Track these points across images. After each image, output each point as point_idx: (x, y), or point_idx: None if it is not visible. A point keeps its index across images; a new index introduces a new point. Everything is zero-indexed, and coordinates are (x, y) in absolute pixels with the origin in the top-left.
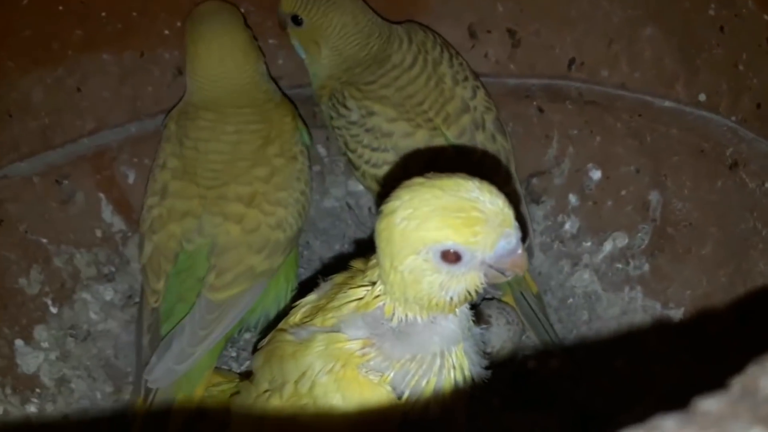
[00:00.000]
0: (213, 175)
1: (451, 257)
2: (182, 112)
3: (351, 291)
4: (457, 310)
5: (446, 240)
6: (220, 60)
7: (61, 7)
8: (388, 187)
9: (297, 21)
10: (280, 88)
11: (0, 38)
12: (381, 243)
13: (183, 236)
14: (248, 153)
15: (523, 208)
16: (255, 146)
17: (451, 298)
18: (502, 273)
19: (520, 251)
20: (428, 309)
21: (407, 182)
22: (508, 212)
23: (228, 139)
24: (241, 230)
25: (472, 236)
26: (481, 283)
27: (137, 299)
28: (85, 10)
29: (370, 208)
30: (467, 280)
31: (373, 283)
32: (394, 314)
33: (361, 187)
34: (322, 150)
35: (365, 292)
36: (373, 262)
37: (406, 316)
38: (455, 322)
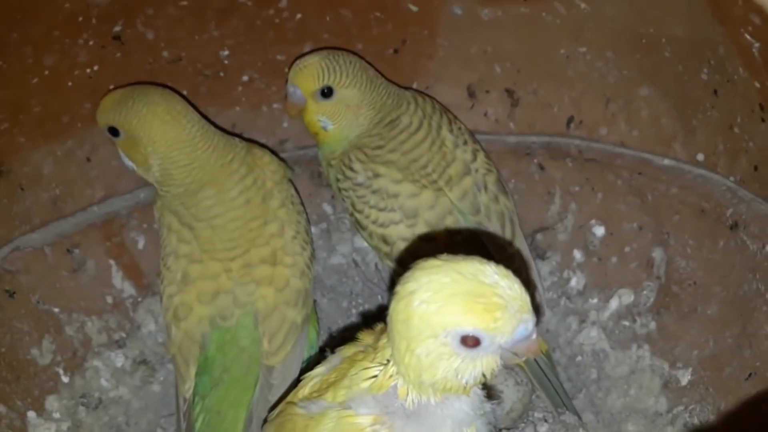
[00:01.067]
0: (232, 245)
1: (471, 342)
2: (171, 201)
3: (363, 371)
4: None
5: (468, 325)
6: (183, 128)
7: (70, 83)
8: (395, 247)
9: (327, 94)
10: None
11: (12, 115)
12: (397, 325)
13: (218, 315)
14: (257, 211)
15: (533, 272)
16: (259, 201)
17: (467, 381)
18: (517, 356)
19: (534, 336)
20: (442, 391)
21: (422, 263)
22: (526, 298)
23: (238, 203)
24: (274, 291)
25: (492, 322)
26: (497, 366)
27: (147, 364)
28: (92, 84)
29: (376, 265)
30: (484, 363)
31: (386, 362)
32: (407, 395)
33: (366, 244)
34: (327, 208)
35: (378, 372)
36: (383, 341)
37: (420, 397)
38: (468, 404)
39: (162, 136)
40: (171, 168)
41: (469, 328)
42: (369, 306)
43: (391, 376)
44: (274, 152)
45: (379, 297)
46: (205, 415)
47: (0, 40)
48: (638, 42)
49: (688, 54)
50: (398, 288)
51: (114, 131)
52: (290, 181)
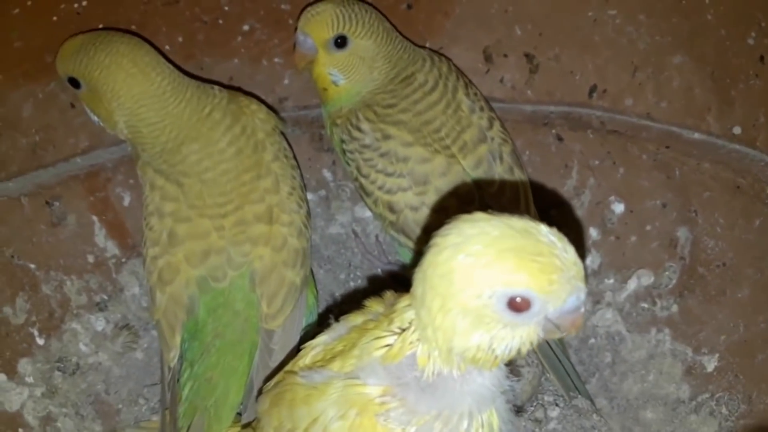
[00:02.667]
0: (224, 200)
1: (519, 305)
2: (152, 158)
3: (376, 340)
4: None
5: (520, 285)
6: (151, 82)
7: (55, 18)
8: (401, 216)
9: (340, 44)
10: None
11: None
12: (433, 280)
13: (210, 276)
14: (248, 163)
15: None
16: (250, 151)
17: (500, 354)
18: (558, 330)
19: (583, 310)
20: (470, 362)
21: (465, 216)
22: (582, 265)
23: (228, 155)
24: (272, 250)
25: (548, 284)
26: (537, 340)
27: (130, 330)
28: (81, 21)
29: (377, 236)
30: (524, 334)
31: (401, 331)
32: (428, 365)
33: (368, 214)
34: (327, 174)
35: (393, 340)
36: (402, 305)
37: (441, 368)
38: (490, 379)
39: (127, 90)
40: (140, 125)
41: (522, 288)
42: (368, 279)
43: (410, 343)
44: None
45: (379, 270)
46: (194, 383)
47: None
48: (677, 4)
49: (735, 16)
50: (437, 239)
51: (74, 82)
52: (282, 134)
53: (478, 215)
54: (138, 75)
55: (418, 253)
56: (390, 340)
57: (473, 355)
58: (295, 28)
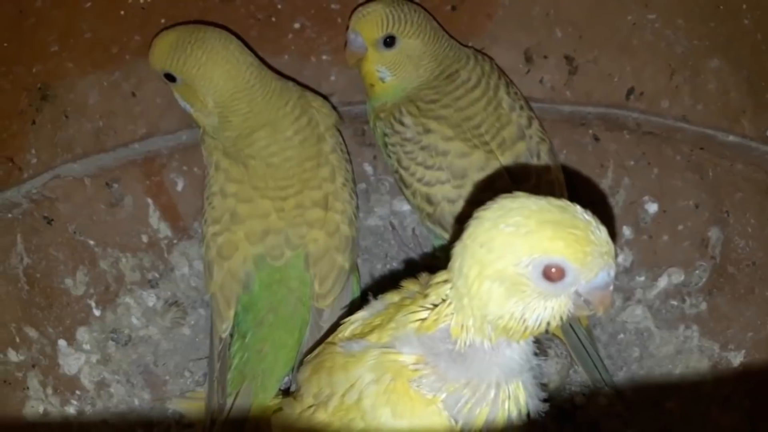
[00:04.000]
0: (286, 183)
1: (555, 274)
2: (227, 143)
3: (411, 314)
4: (522, 340)
5: (557, 253)
6: (243, 77)
7: (122, 12)
8: (438, 208)
9: (389, 43)
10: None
11: (62, 38)
12: (473, 249)
13: (267, 254)
14: (312, 152)
15: None
16: (313, 141)
17: (531, 324)
18: (587, 306)
19: (612, 288)
20: (501, 332)
21: (506, 195)
22: (612, 245)
23: (293, 143)
24: (325, 235)
25: (582, 255)
26: (568, 312)
27: (179, 306)
28: (145, 15)
29: (414, 229)
30: (556, 305)
31: (435, 305)
32: (461, 334)
33: (405, 208)
34: (368, 168)
35: (426, 315)
36: (438, 280)
37: (473, 338)
38: (518, 353)
39: (223, 85)
40: (230, 115)
41: (558, 257)
42: (403, 271)
43: (445, 315)
44: (326, 98)
45: (416, 259)
46: (244, 353)
47: None
48: (714, 9)
49: None
50: (479, 213)
51: (171, 77)
52: (338, 129)
53: (519, 193)
54: (232, 71)
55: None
56: (424, 314)
57: (505, 324)
58: (347, 27)
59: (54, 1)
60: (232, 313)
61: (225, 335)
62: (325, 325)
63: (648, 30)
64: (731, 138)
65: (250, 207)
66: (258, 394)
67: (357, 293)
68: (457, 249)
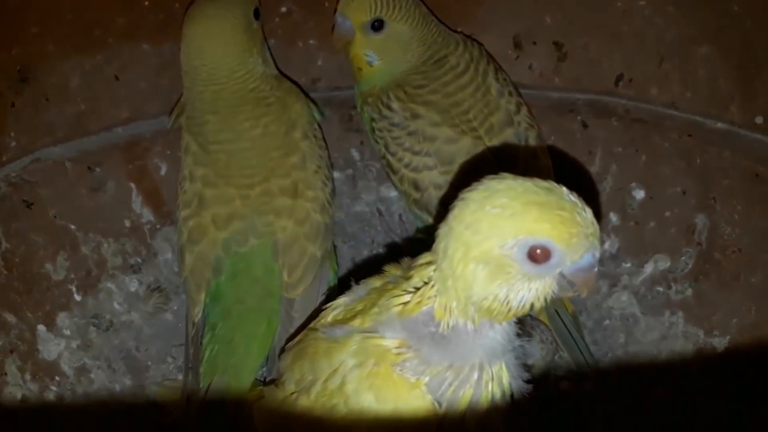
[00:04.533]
0: (250, 172)
1: (539, 256)
2: (190, 119)
3: (393, 298)
4: (504, 322)
5: (542, 234)
6: (210, 50)
7: None
8: (426, 194)
9: (377, 27)
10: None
11: (43, 20)
12: (458, 230)
13: (232, 240)
14: (277, 142)
15: None
16: (281, 133)
17: (514, 306)
18: (571, 287)
19: (596, 270)
20: (485, 314)
21: (492, 176)
22: (597, 227)
23: (250, 135)
24: (294, 223)
25: (567, 237)
26: (552, 293)
27: (162, 292)
28: None
29: (400, 215)
30: (540, 286)
31: (417, 289)
32: (444, 316)
33: (392, 194)
34: (355, 153)
35: (408, 298)
36: (421, 262)
37: (456, 321)
38: (501, 334)
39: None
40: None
41: (543, 238)
42: (389, 256)
43: (428, 298)
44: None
45: (399, 242)
46: (215, 345)
47: None
48: None
49: (762, 8)
50: (465, 195)
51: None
52: (319, 125)
53: (505, 174)
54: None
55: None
56: (407, 297)
57: (489, 305)
58: (334, 11)
59: None
60: (203, 297)
61: (197, 319)
62: (297, 315)
63: (638, 17)
64: (719, 125)
65: (215, 192)
66: (231, 386)
67: (333, 281)
68: (442, 231)
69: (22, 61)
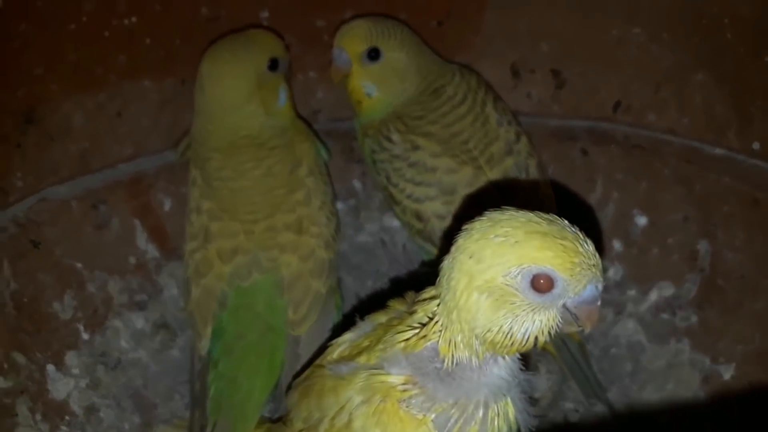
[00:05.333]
0: (254, 208)
1: (543, 285)
2: (196, 152)
3: (398, 334)
4: (508, 357)
5: (546, 263)
6: (209, 90)
7: (107, 33)
8: (429, 225)
9: (373, 56)
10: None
11: (47, 61)
12: (461, 260)
13: (235, 274)
14: (281, 181)
15: None
16: (286, 173)
17: (519, 338)
18: (575, 321)
19: (599, 303)
20: (489, 347)
21: (495, 210)
22: (600, 260)
23: (253, 175)
24: (299, 259)
25: (570, 266)
26: (556, 327)
27: (168, 329)
28: (130, 36)
29: (404, 245)
30: (545, 317)
31: (422, 325)
32: (448, 353)
33: (395, 224)
34: (357, 184)
35: (413, 334)
36: (424, 297)
37: (460, 356)
38: (505, 370)
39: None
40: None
41: (546, 267)
42: (394, 288)
43: (433, 332)
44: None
45: (405, 278)
46: (219, 382)
47: None
48: (698, 24)
49: (753, 35)
50: (468, 226)
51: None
52: (326, 164)
53: (507, 208)
54: None
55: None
56: (411, 333)
57: (493, 338)
58: (331, 45)
59: (39, 24)
60: (209, 330)
61: (204, 353)
62: (303, 353)
63: (633, 44)
64: (717, 151)
65: (221, 225)
66: (237, 425)
67: (338, 318)
68: (446, 263)
69: (28, 102)
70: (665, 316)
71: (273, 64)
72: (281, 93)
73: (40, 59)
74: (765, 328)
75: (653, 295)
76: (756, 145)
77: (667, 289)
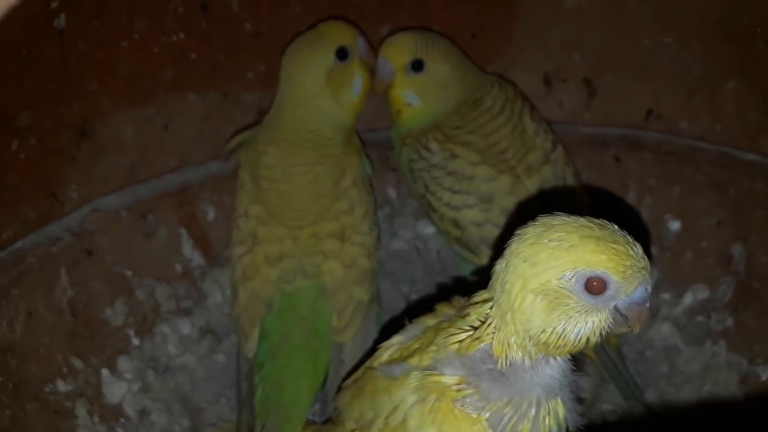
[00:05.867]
0: (299, 214)
1: (596, 287)
2: (250, 149)
3: (450, 336)
4: (559, 358)
5: (599, 266)
6: (285, 80)
7: (156, 49)
8: (466, 232)
9: (417, 67)
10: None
11: (101, 77)
12: (515, 264)
13: (281, 278)
14: (327, 189)
15: None
16: (331, 182)
17: (570, 340)
18: (625, 322)
19: (648, 305)
20: (542, 348)
21: (546, 215)
22: (648, 262)
23: (300, 180)
24: (342, 267)
25: (623, 269)
26: (608, 327)
27: (213, 334)
28: (177, 51)
29: (438, 252)
30: (597, 319)
31: (474, 328)
32: (502, 353)
33: (429, 231)
34: (392, 192)
35: (466, 336)
36: (477, 300)
37: (514, 357)
38: (557, 370)
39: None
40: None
41: (600, 270)
42: (431, 294)
43: (487, 334)
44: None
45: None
46: (265, 384)
47: (99, 1)
48: (730, 32)
49: None
50: (521, 231)
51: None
52: (369, 179)
53: (559, 213)
54: None
55: (483, 269)
56: (464, 335)
57: (546, 339)
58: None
59: (95, 42)
60: (257, 333)
61: (251, 355)
62: (347, 359)
63: (665, 53)
64: (750, 156)
65: (268, 230)
66: (284, 427)
67: (378, 326)
68: (499, 267)
69: (82, 116)
70: (700, 318)
71: (342, 54)
72: (356, 81)
73: (94, 75)
74: None
75: (688, 298)
76: None
77: (701, 292)
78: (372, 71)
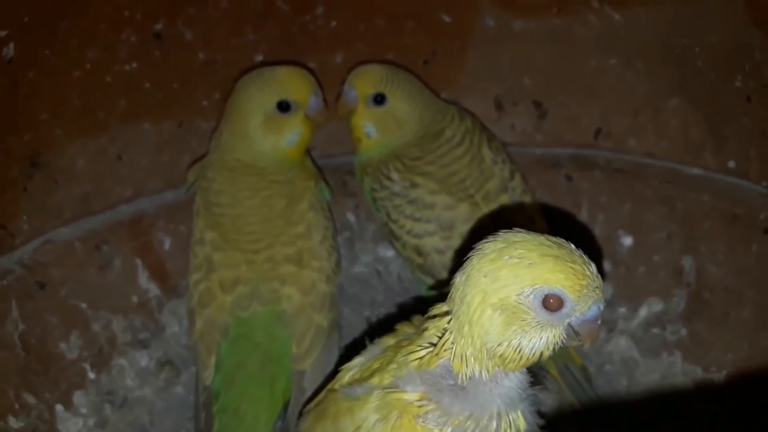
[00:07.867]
0: (253, 237)
1: (553, 304)
2: (204, 178)
3: (410, 354)
4: (517, 371)
5: (557, 284)
6: (231, 122)
7: (109, 79)
8: (428, 259)
9: (379, 100)
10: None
11: (52, 107)
12: (476, 278)
13: (236, 304)
14: (277, 212)
15: None
16: (281, 205)
17: (525, 354)
18: (577, 338)
19: (600, 322)
20: (498, 362)
21: (507, 230)
22: (602, 281)
23: (249, 203)
24: (300, 292)
25: (579, 288)
26: (560, 341)
27: (172, 366)
28: (130, 81)
29: (399, 274)
30: (551, 334)
31: (434, 344)
32: (462, 368)
33: (390, 254)
34: (351, 216)
35: (426, 352)
36: (435, 313)
37: (473, 371)
38: (516, 382)
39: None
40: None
41: (558, 288)
42: (392, 315)
43: (445, 350)
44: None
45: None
46: (223, 416)
47: (49, 30)
48: (670, 52)
49: (722, 62)
50: (481, 245)
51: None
52: (328, 204)
53: (518, 230)
54: None
55: (442, 282)
56: (423, 352)
57: (503, 352)
58: (342, 82)
59: (46, 71)
60: (213, 360)
61: (209, 382)
62: (307, 386)
63: (611, 74)
64: (696, 171)
65: (223, 255)
66: None
67: (338, 352)
68: (458, 280)
69: (33, 147)
70: (656, 330)
71: (283, 106)
72: (291, 135)
73: (45, 105)
74: (752, 335)
75: (643, 312)
76: (731, 164)
77: (655, 305)
78: (319, 126)
